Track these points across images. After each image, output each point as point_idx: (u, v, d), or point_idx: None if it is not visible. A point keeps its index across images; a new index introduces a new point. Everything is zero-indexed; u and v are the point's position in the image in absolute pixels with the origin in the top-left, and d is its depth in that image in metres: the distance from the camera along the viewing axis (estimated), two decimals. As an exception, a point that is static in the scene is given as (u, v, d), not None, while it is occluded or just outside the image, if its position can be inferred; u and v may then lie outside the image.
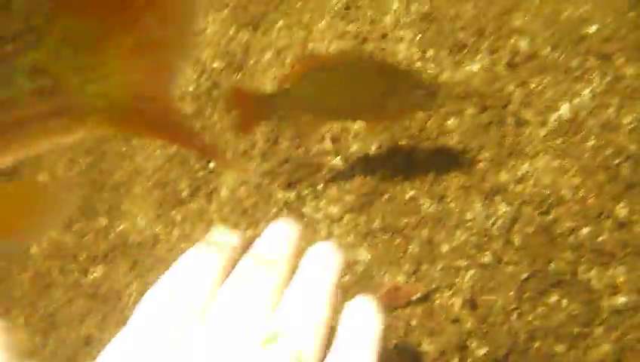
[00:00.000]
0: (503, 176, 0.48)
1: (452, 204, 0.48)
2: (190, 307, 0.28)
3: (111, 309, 0.55)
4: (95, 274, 0.58)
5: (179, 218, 0.56)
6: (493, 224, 0.47)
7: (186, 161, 0.57)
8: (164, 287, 0.29)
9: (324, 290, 0.30)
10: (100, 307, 0.56)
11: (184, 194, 0.56)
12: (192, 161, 0.57)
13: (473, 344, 0.45)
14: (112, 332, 0.25)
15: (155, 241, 0.56)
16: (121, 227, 0.58)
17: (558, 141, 0.49)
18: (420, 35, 0.53)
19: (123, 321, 0.26)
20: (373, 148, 0.51)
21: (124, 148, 0.61)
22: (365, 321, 0.30)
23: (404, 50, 0.53)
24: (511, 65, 0.51)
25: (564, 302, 0.45)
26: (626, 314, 0.45)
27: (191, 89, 0.60)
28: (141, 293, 0.27)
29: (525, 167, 0.48)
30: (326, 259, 0.31)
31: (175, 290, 0.29)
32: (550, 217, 0.47)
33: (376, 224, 0.49)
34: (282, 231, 0.32)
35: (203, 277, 0.30)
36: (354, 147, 0.52)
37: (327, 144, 0.53)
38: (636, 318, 0.44)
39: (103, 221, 0.59)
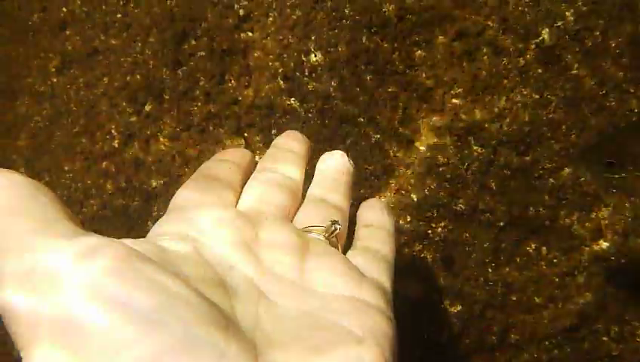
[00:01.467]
0: (478, 114, 0.43)
1: (422, 148, 0.43)
2: (226, 185, 0.31)
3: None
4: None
5: (113, 169, 0.49)
6: (467, 168, 0.43)
7: (117, 105, 0.50)
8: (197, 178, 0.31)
9: (343, 188, 0.33)
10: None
11: (115, 143, 0.49)
12: (124, 103, 0.50)
13: (446, 301, 0.41)
14: None
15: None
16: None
17: (539, 71, 0.44)
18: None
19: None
20: (332, 86, 0.45)
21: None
22: (381, 216, 0.33)
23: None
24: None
25: (544, 250, 0.42)
26: (609, 260, 0.41)
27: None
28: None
29: (502, 102, 0.43)
30: (340, 163, 0.34)
31: (209, 175, 0.32)
32: (529, 158, 0.43)
33: (338, 173, 0.44)
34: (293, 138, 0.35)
35: (231, 164, 0.33)
36: (310, 85, 0.45)
37: (280, 82, 0.46)
38: (620, 264, 0.41)
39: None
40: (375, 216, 0.33)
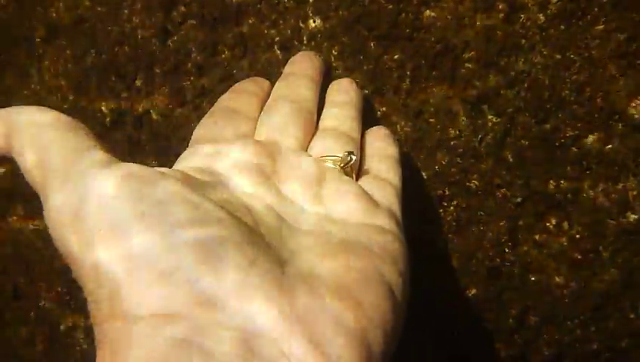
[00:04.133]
0: (493, 80, 0.39)
1: (432, 120, 0.40)
2: (244, 117, 0.33)
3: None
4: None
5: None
6: (481, 140, 0.39)
7: (106, 81, 0.47)
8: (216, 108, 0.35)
9: (353, 115, 0.35)
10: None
11: (107, 121, 0.47)
12: (114, 78, 0.47)
13: (461, 284, 0.39)
14: None
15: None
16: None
17: (562, 27, 0.39)
18: None
19: None
20: (333, 55, 0.41)
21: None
22: (387, 145, 0.35)
23: None
24: None
25: (565, 225, 0.39)
26: (637, 234, 0.38)
27: None
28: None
29: (519, 65, 0.39)
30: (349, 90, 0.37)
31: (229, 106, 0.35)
32: (549, 126, 0.39)
33: (343, 149, 0.41)
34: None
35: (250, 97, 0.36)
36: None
37: (277, 52, 0.42)
38: (648, 238, 0.38)
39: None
40: (381, 144, 0.35)
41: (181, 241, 0.21)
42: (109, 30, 0.47)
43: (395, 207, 0.31)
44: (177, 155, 0.44)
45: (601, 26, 0.39)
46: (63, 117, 0.26)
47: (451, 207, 0.39)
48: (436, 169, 0.39)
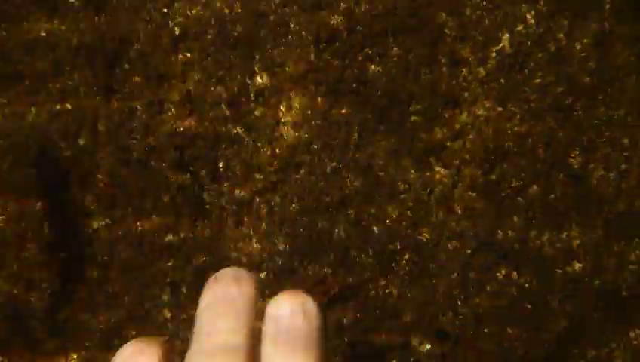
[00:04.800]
0: (439, 133, 0.40)
1: (381, 174, 0.40)
2: None
3: None
4: None
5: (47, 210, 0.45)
6: (430, 193, 0.40)
7: (48, 138, 0.45)
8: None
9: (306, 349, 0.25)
10: None
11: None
12: (56, 137, 0.45)
13: (414, 340, 0.39)
14: None
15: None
16: None
17: (502, 81, 0.41)
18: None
19: None
20: (281, 110, 0.41)
21: None
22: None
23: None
24: (441, -12, 0.41)
25: (514, 275, 0.40)
26: (582, 282, 0.39)
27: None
28: None
29: (464, 117, 0.40)
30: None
31: None
32: (494, 176, 0.40)
33: (294, 206, 0.40)
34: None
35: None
36: (257, 111, 0.42)
37: (224, 109, 0.42)
38: (593, 285, 0.39)
39: None
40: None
41: None
42: (49, 87, 0.46)
43: None
44: (124, 217, 0.43)
45: (539, 80, 0.41)
46: None
47: (403, 261, 0.39)
48: (387, 223, 0.39)
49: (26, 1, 0.45)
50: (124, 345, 0.26)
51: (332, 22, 0.41)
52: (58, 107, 0.45)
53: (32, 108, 0.46)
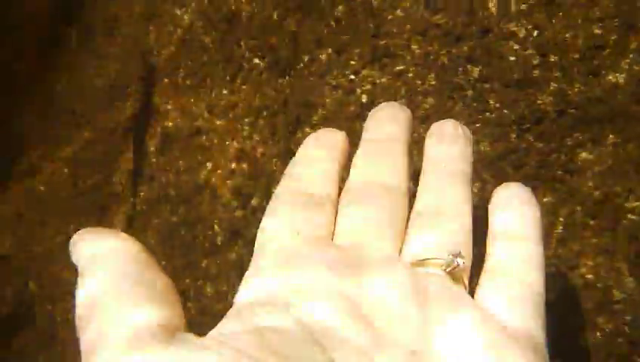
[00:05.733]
0: (666, 237, 0.34)
1: (589, 276, 0.35)
2: (320, 207, 0.26)
3: None
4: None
5: (213, 270, 0.44)
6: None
7: (221, 196, 0.45)
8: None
9: (461, 182, 0.26)
10: None
11: (218, 240, 0.44)
12: (229, 195, 0.45)
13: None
14: None
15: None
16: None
17: None
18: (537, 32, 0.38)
19: None
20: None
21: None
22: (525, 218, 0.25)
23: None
24: None
25: None
26: None
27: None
28: None
29: (697, 222, 0.34)
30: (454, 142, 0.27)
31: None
32: None
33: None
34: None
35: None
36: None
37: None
38: None
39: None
40: (515, 220, 0.25)
41: None
42: (226, 145, 0.46)
43: (536, 328, 0.22)
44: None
45: None
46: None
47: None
48: (598, 336, 0.34)
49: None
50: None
51: (539, 102, 0.38)
52: (233, 166, 0.45)
53: (208, 164, 0.46)
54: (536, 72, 0.37)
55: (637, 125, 0.36)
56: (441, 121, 0.29)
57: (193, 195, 0.46)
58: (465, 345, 0.21)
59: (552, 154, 0.37)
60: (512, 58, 0.38)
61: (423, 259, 0.24)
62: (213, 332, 0.21)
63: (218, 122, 0.48)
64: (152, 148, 0.49)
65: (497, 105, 0.38)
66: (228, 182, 0.45)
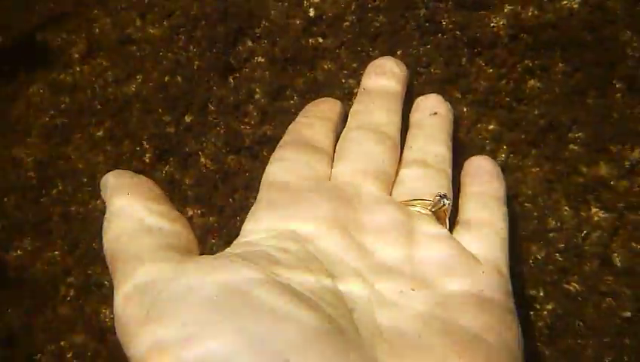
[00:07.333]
0: (603, 169, 0.34)
1: (527, 205, 0.34)
2: (320, 152, 0.30)
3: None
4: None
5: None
6: (585, 237, 0.34)
7: (151, 111, 0.41)
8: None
9: (443, 140, 0.31)
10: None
11: (147, 158, 0.41)
12: (160, 110, 0.41)
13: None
14: None
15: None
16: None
17: (684, 119, 0.34)
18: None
19: None
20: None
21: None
22: (492, 180, 0.30)
23: None
24: None
25: None
26: None
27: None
28: None
29: (635, 155, 0.34)
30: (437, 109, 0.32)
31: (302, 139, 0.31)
32: (664, 229, 0.34)
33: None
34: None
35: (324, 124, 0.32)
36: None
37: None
38: None
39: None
40: (483, 179, 0.30)
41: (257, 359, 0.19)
42: (160, 56, 0.42)
43: (501, 262, 0.27)
44: (222, 207, 0.39)
45: None
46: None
47: (544, 312, 0.33)
48: (530, 264, 0.34)
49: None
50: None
51: (492, 25, 0.36)
52: (167, 79, 0.42)
53: (139, 76, 0.43)
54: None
55: (587, 54, 0.35)
56: (428, 94, 0.33)
57: (121, 109, 0.42)
58: (446, 270, 0.25)
59: (501, 81, 0.36)
60: None
61: (412, 199, 0.28)
62: (223, 254, 0.24)
63: (152, 31, 0.44)
64: (77, 56, 0.45)
65: (450, 26, 0.36)
66: (160, 95, 0.41)
